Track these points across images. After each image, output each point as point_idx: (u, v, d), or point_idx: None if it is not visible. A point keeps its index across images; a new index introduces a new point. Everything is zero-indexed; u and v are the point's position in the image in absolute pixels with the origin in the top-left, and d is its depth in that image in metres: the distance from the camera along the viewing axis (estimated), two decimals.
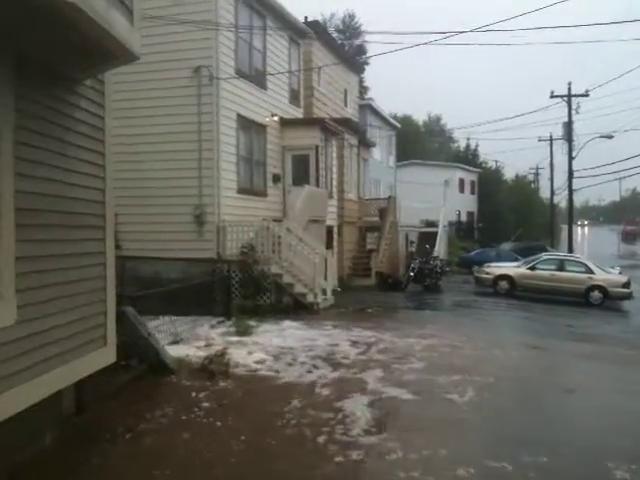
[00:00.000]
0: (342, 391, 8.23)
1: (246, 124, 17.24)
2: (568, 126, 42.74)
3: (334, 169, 22.25)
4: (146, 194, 15.65)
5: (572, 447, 6.49)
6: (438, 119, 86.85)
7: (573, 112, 38.47)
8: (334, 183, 22.31)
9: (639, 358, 12.40)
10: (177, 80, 15.66)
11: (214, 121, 15.64)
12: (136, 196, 15.40)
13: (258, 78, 18.02)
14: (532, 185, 66.03)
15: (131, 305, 8.43)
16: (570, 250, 32.65)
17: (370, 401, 7.84)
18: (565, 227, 41.66)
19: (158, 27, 14.71)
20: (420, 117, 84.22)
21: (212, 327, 12.38)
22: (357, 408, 7.50)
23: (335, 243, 21.78)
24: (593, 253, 44.63)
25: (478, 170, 55.69)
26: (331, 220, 21.22)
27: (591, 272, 21.63)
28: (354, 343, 11.54)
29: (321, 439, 6.47)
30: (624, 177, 49.59)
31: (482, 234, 45.76)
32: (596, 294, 21.14)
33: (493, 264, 24.49)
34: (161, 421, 6.84)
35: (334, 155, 22.18)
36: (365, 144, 28.14)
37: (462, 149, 62.88)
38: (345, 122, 23.61)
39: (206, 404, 7.48)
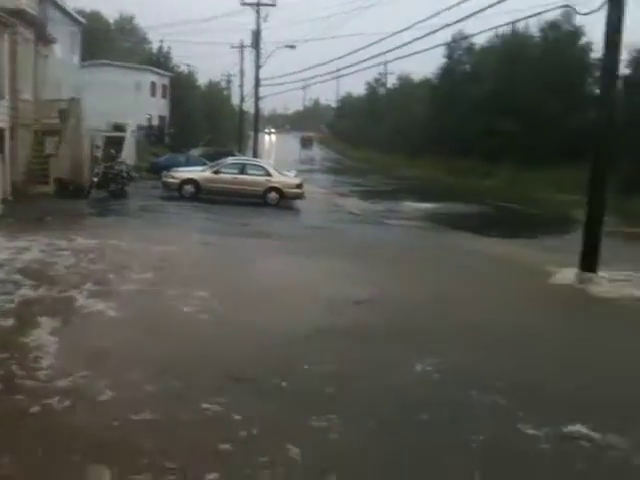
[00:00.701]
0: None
1: None
2: (256, 35, 44.06)
3: (5, 66, 20.17)
4: None
5: None
6: (131, 18, 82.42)
7: (262, 21, 39.76)
8: (5, 82, 20.27)
9: (294, 248, 14.41)
10: None
11: None
12: None
13: None
14: (224, 92, 67.36)
15: None
16: (255, 155, 34.60)
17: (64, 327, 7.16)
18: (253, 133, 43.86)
19: None
20: (111, 15, 79.05)
21: None
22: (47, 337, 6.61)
23: (7, 148, 20.04)
24: (279, 158, 47.81)
25: (170, 74, 54.85)
26: (2, 122, 19.44)
27: (269, 175, 23.31)
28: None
29: None
30: (307, 86, 53.45)
31: (173, 140, 45.70)
32: (273, 195, 22.86)
33: (180, 169, 24.90)
34: None
35: (6, 51, 20.09)
36: (45, 40, 25.80)
37: (155, 51, 60.97)
38: (19, 13, 21.26)
39: None
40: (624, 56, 28.53)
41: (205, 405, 5.26)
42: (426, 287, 10.68)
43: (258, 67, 42.74)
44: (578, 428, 5.18)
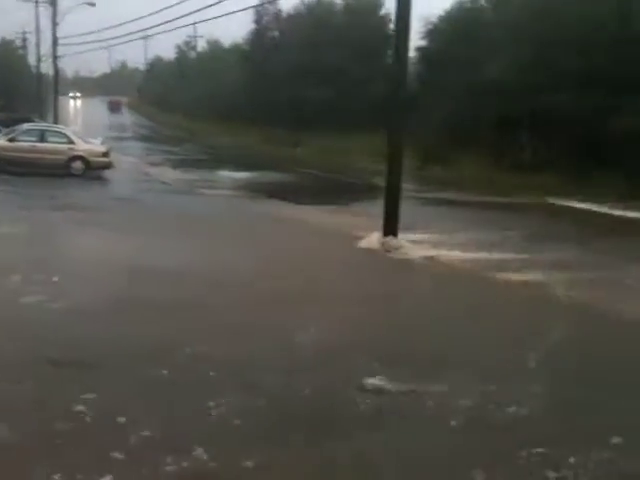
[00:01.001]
0: None
1: None
2: None
3: None
4: None
5: None
6: None
7: None
8: None
9: (107, 221, 13.92)
10: None
11: None
12: None
13: None
14: (19, 51, 61.80)
15: None
16: (56, 121, 32.32)
17: None
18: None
19: None
20: None
21: None
22: None
23: None
24: (86, 125, 45.12)
25: None
26: None
27: (72, 142, 21.84)
28: None
29: None
30: (111, 46, 50.65)
31: None
32: (78, 164, 21.46)
33: None
34: None
35: None
36: None
37: None
38: None
39: None
40: (421, 28, 30.61)
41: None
42: (243, 258, 10.63)
43: (55, 24, 39.85)
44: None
